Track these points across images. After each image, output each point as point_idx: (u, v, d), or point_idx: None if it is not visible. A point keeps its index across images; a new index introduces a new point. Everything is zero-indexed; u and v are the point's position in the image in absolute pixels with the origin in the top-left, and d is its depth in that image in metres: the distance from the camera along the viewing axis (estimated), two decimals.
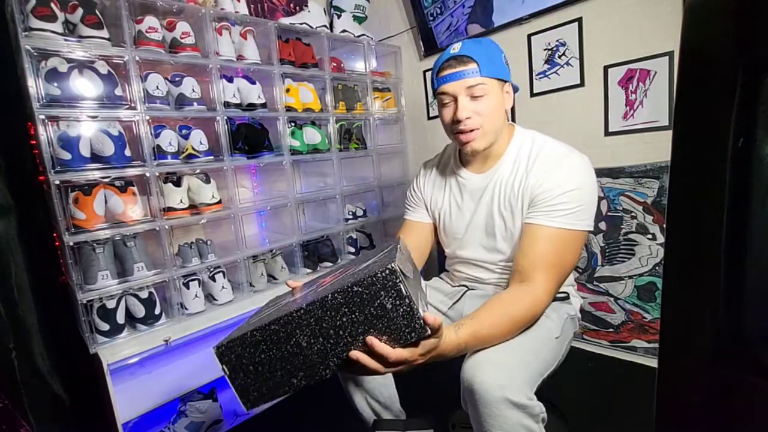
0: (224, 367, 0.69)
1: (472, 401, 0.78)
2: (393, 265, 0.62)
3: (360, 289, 0.63)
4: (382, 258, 0.73)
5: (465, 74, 0.93)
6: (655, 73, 1.50)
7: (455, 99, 0.96)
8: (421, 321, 0.64)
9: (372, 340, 0.64)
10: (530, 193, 0.95)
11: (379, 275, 0.63)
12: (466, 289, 1.16)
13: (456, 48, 0.96)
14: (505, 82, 0.98)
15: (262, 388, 0.70)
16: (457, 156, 1.14)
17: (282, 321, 0.66)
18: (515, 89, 1.06)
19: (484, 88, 0.93)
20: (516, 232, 1.00)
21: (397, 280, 0.62)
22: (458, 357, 0.86)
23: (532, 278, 0.88)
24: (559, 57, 1.72)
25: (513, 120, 1.93)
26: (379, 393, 1.13)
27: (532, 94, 1.84)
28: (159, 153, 1.38)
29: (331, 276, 0.81)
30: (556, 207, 0.91)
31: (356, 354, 0.65)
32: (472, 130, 0.97)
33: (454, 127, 0.99)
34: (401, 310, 0.63)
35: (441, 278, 1.28)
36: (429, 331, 0.64)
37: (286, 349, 0.67)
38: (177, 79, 1.44)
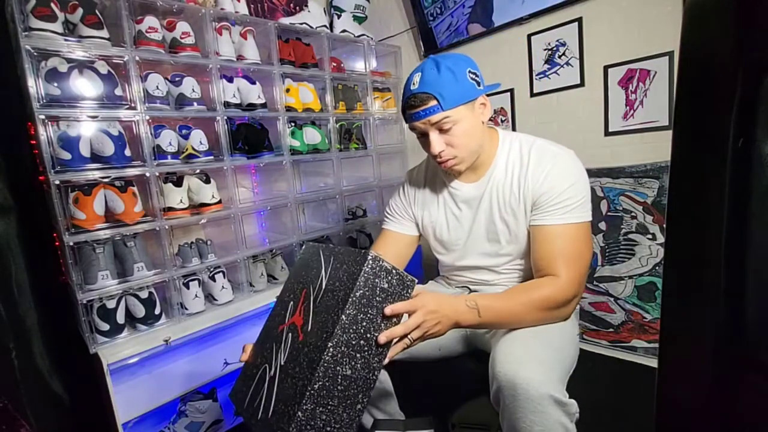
0: None
1: (511, 396, 0.75)
2: (372, 252, 0.69)
3: (362, 291, 0.67)
4: (337, 262, 0.76)
5: (427, 113, 0.92)
6: (655, 73, 1.50)
7: (425, 134, 0.97)
8: (409, 276, 0.73)
9: (390, 308, 0.70)
10: (532, 195, 0.95)
11: (367, 269, 0.68)
12: (469, 290, 1.14)
13: (415, 82, 0.93)
14: (475, 99, 0.95)
15: None
16: None
17: (321, 373, 0.65)
18: (491, 89, 1.05)
19: (450, 121, 0.92)
20: (521, 234, 0.99)
21: (382, 262, 0.69)
22: (471, 354, 0.86)
23: (552, 272, 0.89)
24: (559, 57, 1.72)
25: (513, 121, 1.93)
26: (378, 400, 1.12)
27: (532, 94, 1.84)
28: (159, 153, 1.38)
29: (298, 312, 0.79)
30: (561, 204, 0.91)
31: (385, 334, 0.70)
32: (449, 160, 0.98)
33: (434, 158, 1.00)
34: (394, 280, 0.71)
35: (437, 282, 1.26)
36: (416, 280, 0.74)
37: (338, 390, 0.67)
38: (177, 79, 1.44)
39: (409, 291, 0.73)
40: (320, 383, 0.64)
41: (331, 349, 0.65)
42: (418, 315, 0.76)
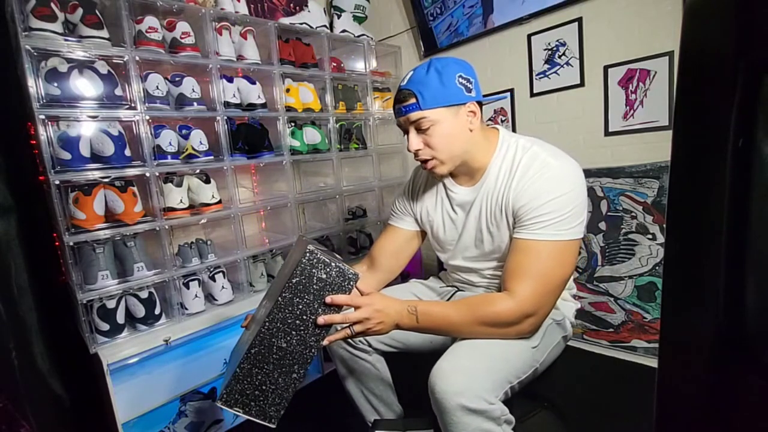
0: (237, 409, 0.79)
1: (435, 408, 0.81)
2: (310, 246, 0.79)
3: (297, 279, 0.78)
4: (295, 254, 0.88)
5: (407, 110, 0.94)
6: (655, 73, 1.50)
7: (407, 131, 0.98)
8: (351, 270, 0.81)
9: (332, 297, 0.80)
10: (512, 207, 0.93)
11: (303, 260, 0.78)
12: (456, 290, 1.16)
13: (405, 79, 0.96)
14: (462, 104, 0.94)
15: (275, 400, 0.81)
16: None
17: (258, 341, 0.78)
18: (488, 100, 1.04)
19: (428, 121, 0.92)
20: (503, 245, 0.99)
21: (318, 255, 0.79)
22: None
23: (510, 287, 0.88)
24: (559, 57, 1.72)
25: (513, 121, 1.93)
26: (375, 386, 1.16)
27: (532, 94, 1.84)
28: (159, 153, 1.38)
29: (272, 291, 0.93)
30: (536, 219, 0.88)
31: (323, 318, 0.80)
32: (427, 161, 0.98)
33: (415, 157, 1.00)
34: (333, 272, 0.80)
35: (438, 277, 1.29)
36: (359, 274, 0.83)
37: (273, 358, 0.79)
38: (177, 79, 1.44)
39: (351, 284, 0.82)
40: (256, 349, 0.78)
41: (266, 323, 0.78)
42: (363, 311, 0.83)
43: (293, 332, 0.79)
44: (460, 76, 0.93)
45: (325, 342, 0.82)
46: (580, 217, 0.89)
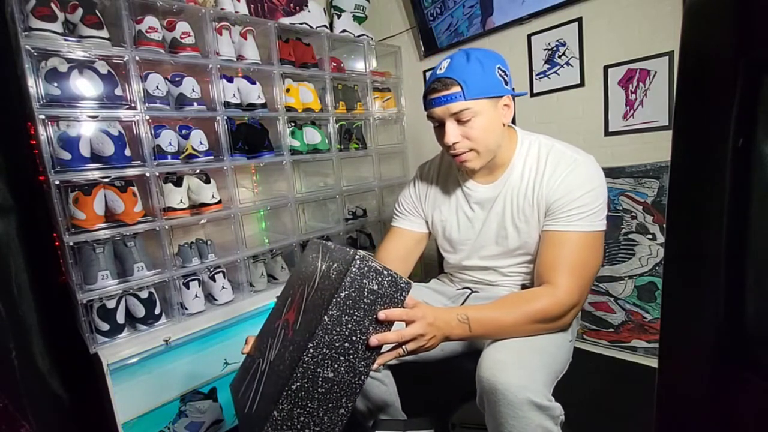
0: None
1: (493, 402, 0.75)
2: (359, 252, 0.65)
3: (347, 292, 0.64)
4: (330, 260, 0.74)
5: (449, 99, 0.89)
6: (655, 73, 1.50)
7: (443, 123, 0.94)
8: (403, 279, 0.69)
9: (385, 312, 0.67)
10: (545, 202, 0.93)
11: (353, 269, 0.64)
12: (470, 291, 1.13)
13: (443, 67, 0.91)
14: (501, 96, 0.92)
15: None
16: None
17: (300, 373, 0.63)
18: (518, 95, 1.03)
19: (470, 112, 0.89)
20: (531, 240, 0.98)
21: (370, 262, 0.65)
22: (471, 354, 0.85)
23: (551, 280, 0.87)
24: (559, 57, 1.72)
25: (513, 122, 1.92)
26: (382, 402, 1.12)
27: (532, 94, 1.84)
28: (159, 153, 1.38)
29: (293, 308, 0.78)
30: (572, 212, 0.89)
31: (375, 338, 0.67)
32: (463, 153, 0.95)
33: (447, 150, 0.97)
34: (386, 282, 0.67)
35: (440, 280, 1.25)
36: (411, 283, 0.70)
37: (318, 393, 0.65)
38: (177, 79, 1.44)
39: (404, 294, 0.70)
40: (298, 384, 0.63)
41: (311, 350, 0.63)
42: (417, 326, 0.73)
43: (341, 358, 0.65)
44: (499, 68, 0.92)
45: (375, 366, 0.69)
46: (606, 210, 0.92)
